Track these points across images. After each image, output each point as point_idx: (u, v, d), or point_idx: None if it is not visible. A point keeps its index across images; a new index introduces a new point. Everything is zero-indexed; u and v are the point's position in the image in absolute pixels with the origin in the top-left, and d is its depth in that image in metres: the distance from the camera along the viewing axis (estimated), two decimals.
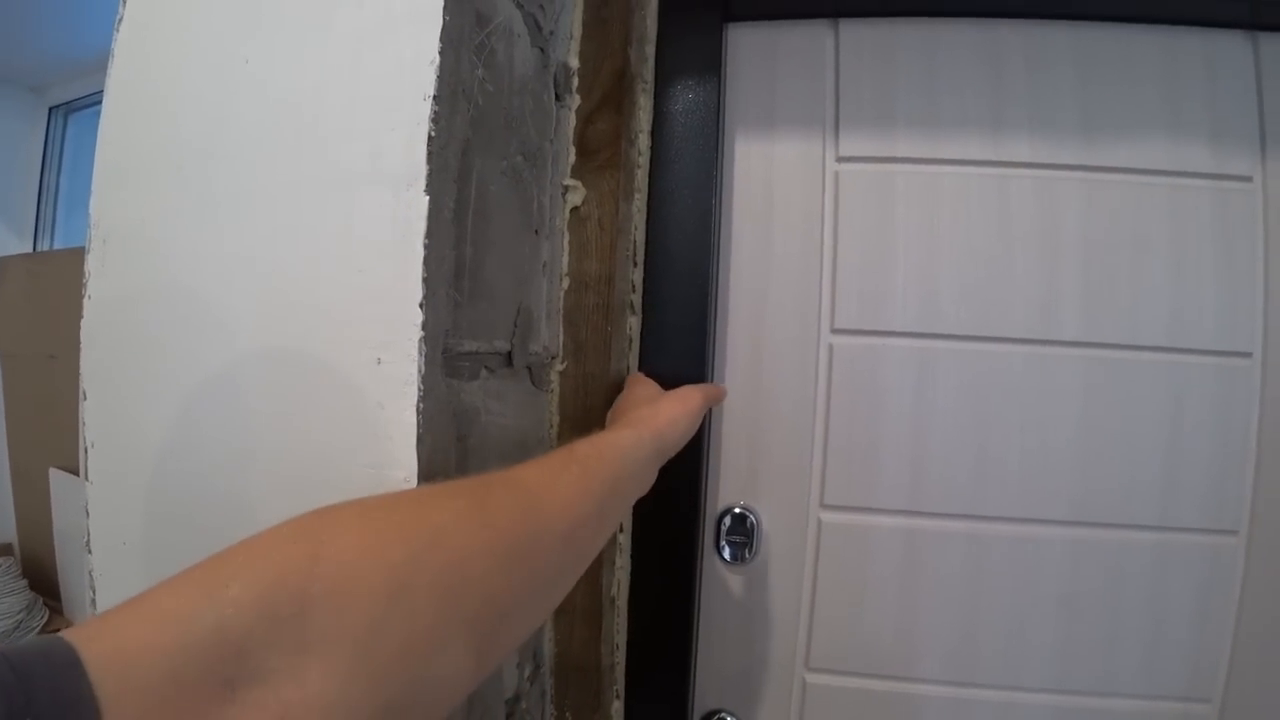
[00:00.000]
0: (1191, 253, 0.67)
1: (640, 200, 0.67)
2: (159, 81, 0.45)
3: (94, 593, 0.46)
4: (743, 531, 0.71)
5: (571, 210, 0.63)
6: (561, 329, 0.63)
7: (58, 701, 0.17)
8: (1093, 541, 0.68)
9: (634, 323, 0.67)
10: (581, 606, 0.65)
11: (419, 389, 0.38)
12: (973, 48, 0.69)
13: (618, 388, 0.62)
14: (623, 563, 0.68)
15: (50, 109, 1.92)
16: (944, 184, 0.69)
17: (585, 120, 0.63)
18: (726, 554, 0.71)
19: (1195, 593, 0.67)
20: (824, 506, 0.71)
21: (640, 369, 0.67)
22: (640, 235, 0.67)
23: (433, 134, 0.39)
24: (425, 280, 0.38)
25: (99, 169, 0.46)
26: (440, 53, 0.39)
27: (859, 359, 0.70)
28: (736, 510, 0.71)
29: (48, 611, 1.30)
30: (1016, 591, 0.68)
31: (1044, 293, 0.68)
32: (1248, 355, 0.66)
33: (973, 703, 0.69)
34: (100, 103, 0.47)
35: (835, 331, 0.70)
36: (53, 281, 1.43)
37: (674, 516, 0.68)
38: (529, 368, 0.57)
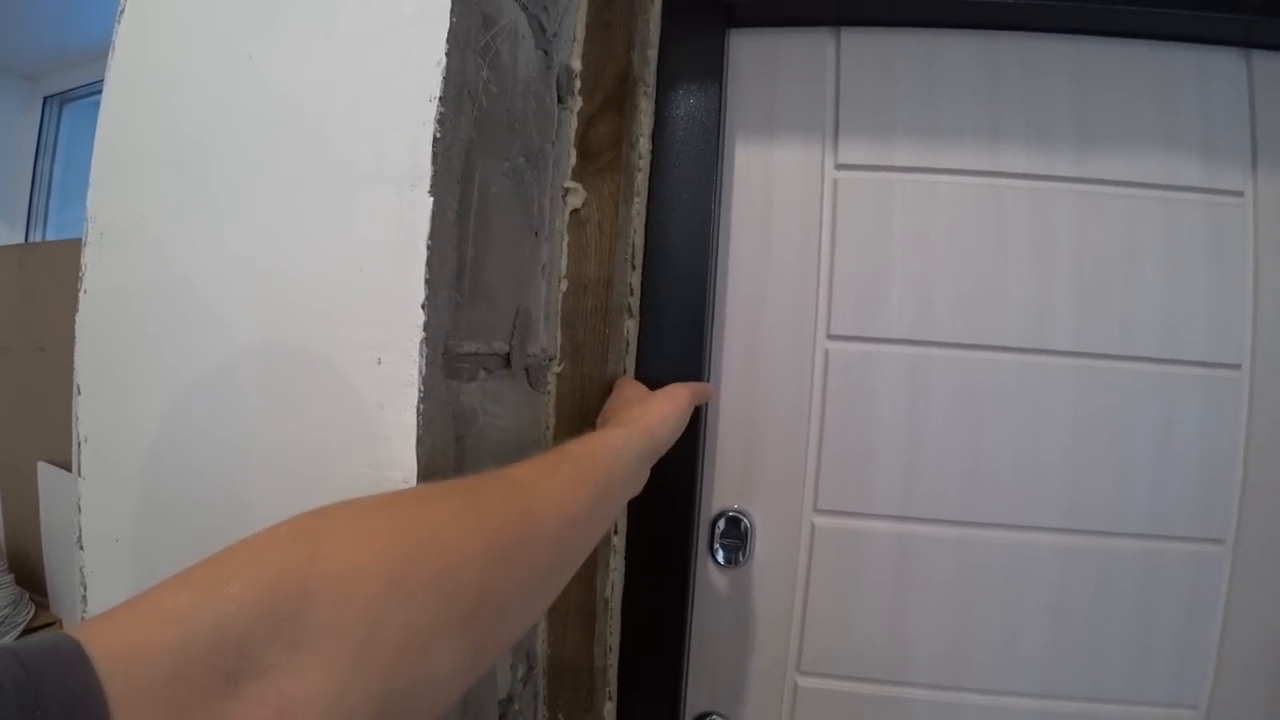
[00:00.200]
0: (1183, 266, 0.68)
1: (640, 204, 0.67)
2: (160, 75, 0.44)
3: (85, 589, 0.45)
4: (736, 534, 0.71)
5: (571, 212, 0.63)
6: (559, 331, 0.63)
7: (67, 697, 0.18)
8: (1082, 549, 0.68)
9: (631, 326, 0.68)
10: (575, 607, 0.65)
11: (419, 390, 0.38)
12: (972, 59, 0.70)
13: (612, 391, 0.62)
14: (617, 564, 0.68)
15: (45, 99, 1.90)
16: (941, 193, 0.70)
17: (587, 123, 0.64)
18: (720, 557, 0.72)
19: (1182, 600, 0.68)
20: (817, 511, 0.71)
21: (637, 372, 0.67)
22: (639, 239, 0.68)
23: (438, 135, 0.39)
24: (428, 281, 0.38)
25: (97, 162, 0.46)
26: (447, 54, 0.39)
27: (854, 365, 0.71)
28: (731, 513, 0.71)
29: (34, 607, 1.28)
30: (1007, 597, 0.69)
31: (1038, 302, 0.69)
32: (1237, 367, 0.67)
33: (962, 707, 0.70)
34: (96, 93, 0.47)
35: (831, 337, 0.71)
36: (44, 273, 1.41)
37: (668, 519, 0.68)
38: (527, 369, 0.57)
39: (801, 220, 0.72)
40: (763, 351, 0.72)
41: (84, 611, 0.45)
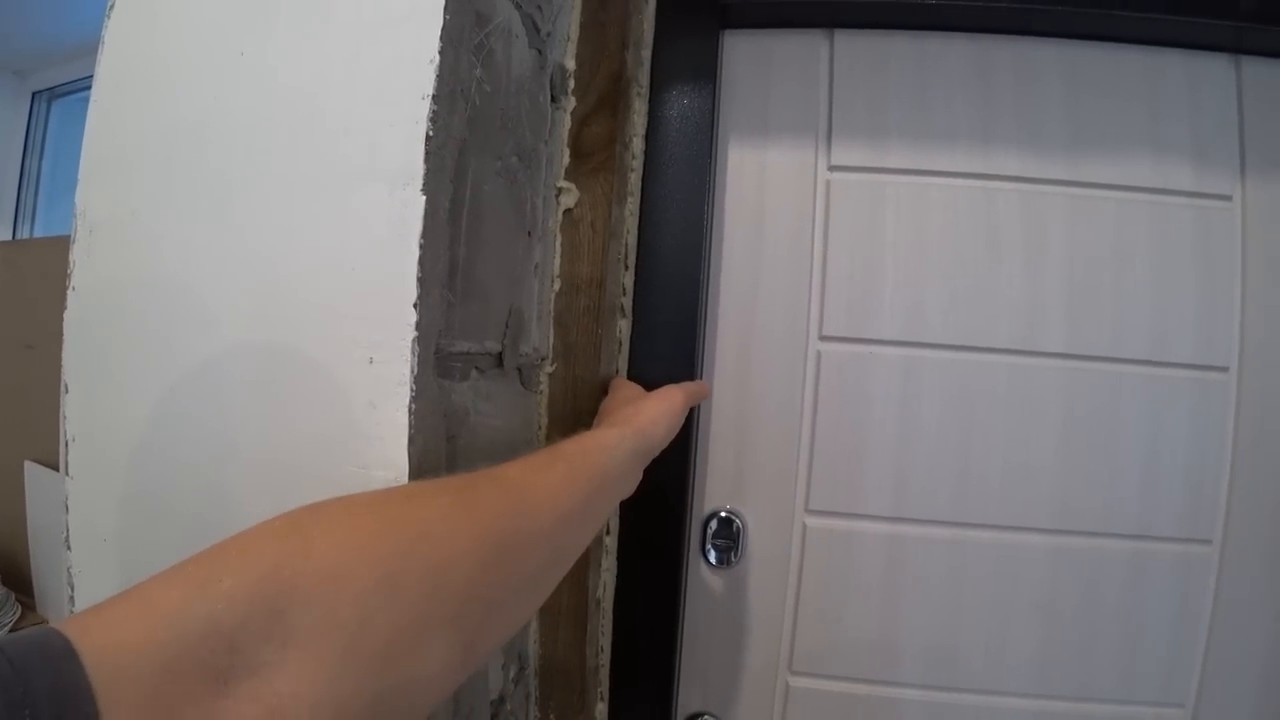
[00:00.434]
0: (1172, 269, 0.68)
1: (633, 204, 0.67)
2: (150, 71, 0.44)
3: (72, 589, 0.45)
4: (728, 535, 0.71)
5: (564, 212, 0.63)
6: (552, 331, 0.63)
7: (55, 693, 0.17)
8: (1072, 549, 0.69)
9: (624, 326, 0.67)
10: (567, 608, 0.65)
11: (411, 389, 0.38)
12: (964, 62, 0.71)
13: (606, 391, 0.62)
14: (608, 565, 0.68)
15: (34, 94, 1.88)
16: (933, 195, 0.70)
17: (580, 123, 0.64)
18: (712, 557, 0.72)
19: (1170, 599, 0.68)
20: (809, 511, 0.71)
21: (629, 372, 0.67)
22: (632, 239, 0.68)
23: (430, 133, 0.38)
24: (420, 280, 0.38)
25: (86, 158, 0.45)
26: (440, 52, 0.39)
27: (846, 366, 0.71)
28: (723, 514, 0.72)
29: (20, 607, 1.27)
30: (997, 597, 0.69)
31: (1028, 305, 0.69)
32: (1224, 370, 0.68)
33: (953, 707, 0.70)
34: (86, 89, 0.46)
35: (823, 338, 0.71)
36: (32, 270, 1.40)
37: (660, 519, 0.68)
38: (519, 369, 0.57)
39: (794, 221, 0.72)
40: (755, 352, 0.72)
41: (71, 612, 0.45)
